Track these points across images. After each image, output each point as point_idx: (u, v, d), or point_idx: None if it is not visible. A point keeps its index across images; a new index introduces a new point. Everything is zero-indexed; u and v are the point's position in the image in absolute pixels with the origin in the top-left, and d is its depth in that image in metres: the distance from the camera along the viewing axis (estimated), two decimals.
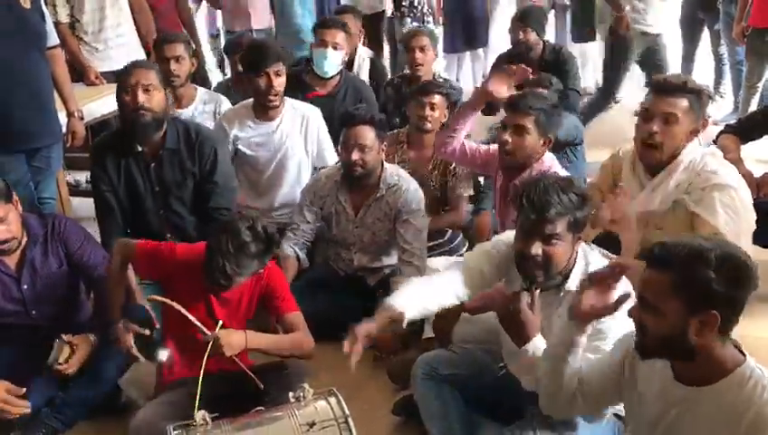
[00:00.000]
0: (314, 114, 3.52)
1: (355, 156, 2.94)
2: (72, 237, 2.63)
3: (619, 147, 2.75)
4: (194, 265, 2.38)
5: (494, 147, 3.00)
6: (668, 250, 1.54)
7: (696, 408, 1.61)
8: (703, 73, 5.76)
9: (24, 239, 2.57)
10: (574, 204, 2.00)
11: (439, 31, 6.18)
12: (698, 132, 2.48)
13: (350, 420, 2.01)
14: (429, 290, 2.23)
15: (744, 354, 1.61)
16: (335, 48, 3.82)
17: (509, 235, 2.21)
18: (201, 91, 3.80)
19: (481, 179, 3.79)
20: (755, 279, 1.53)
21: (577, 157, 3.89)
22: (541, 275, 2.03)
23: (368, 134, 2.94)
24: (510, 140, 2.78)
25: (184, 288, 2.39)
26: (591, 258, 2.13)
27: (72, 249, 2.63)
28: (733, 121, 3.58)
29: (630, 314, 1.63)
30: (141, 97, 2.85)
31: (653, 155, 2.47)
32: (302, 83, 3.79)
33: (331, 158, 3.49)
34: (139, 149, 2.96)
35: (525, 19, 4.46)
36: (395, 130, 3.77)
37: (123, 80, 2.90)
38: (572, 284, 2.06)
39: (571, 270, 2.09)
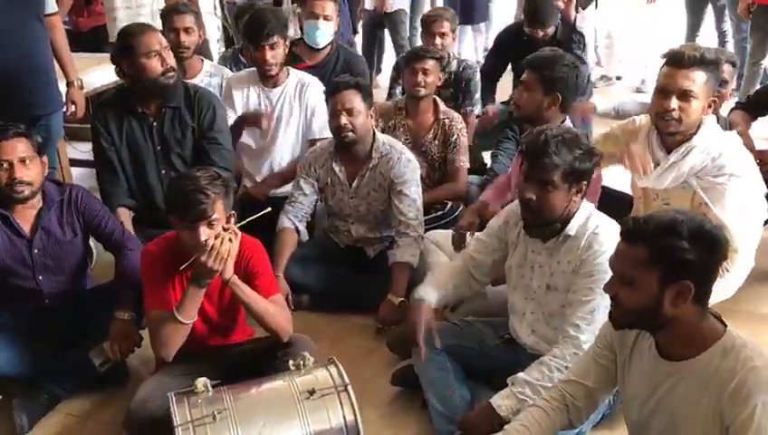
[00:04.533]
0: (314, 83, 3.51)
1: (343, 120, 2.93)
2: (90, 207, 2.67)
3: (638, 116, 2.72)
4: (168, 256, 2.30)
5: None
6: (642, 224, 1.60)
7: (682, 382, 1.64)
8: None
9: (40, 204, 2.60)
10: (574, 156, 2.08)
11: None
12: (716, 103, 2.45)
13: (349, 388, 2.03)
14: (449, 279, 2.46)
15: (724, 325, 1.64)
16: (326, 19, 3.79)
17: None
18: (207, 63, 3.79)
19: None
20: (725, 248, 1.60)
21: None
22: (534, 219, 2.16)
23: (353, 98, 2.93)
24: (517, 96, 2.87)
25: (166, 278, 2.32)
26: (595, 214, 2.21)
27: (90, 218, 2.67)
28: (742, 99, 3.58)
29: (606, 288, 1.67)
30: (171, 61, 2.93)
31: (671, 126, 2.44)
32: (292, 55, 3.75)
33: (319, 128, 3.45)
34: (140, 109, 3.01)
35: (538, 21, 4.03)
36: (393, 100, 3.75)
37: (145, 44, 2.89)
38: (571, 231, 2.16)
39: (570, 219, 2.16)
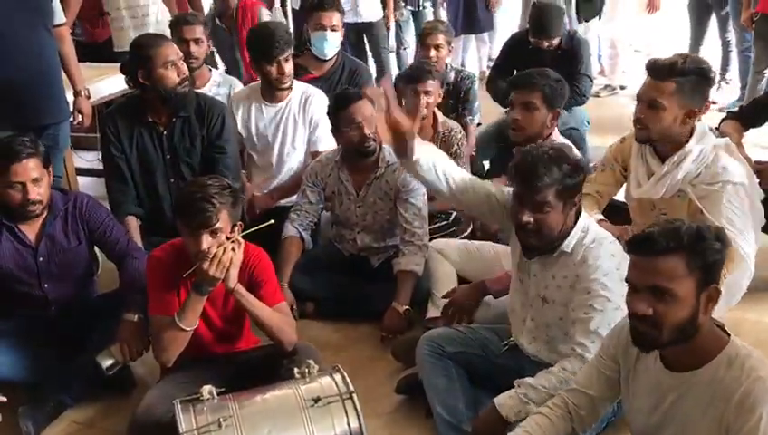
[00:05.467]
0: (318, 94, 3.52)
1: (368, 130, 2.94)
2: (94, 215, 2.68)
3: (626, 133, 2.74)
4: (173, 262, 2.31)
5: None
6: (671, 234, 1.58)
7: (688, 393, 1.64)
8: (710, 59, 5.73)
9: (45, 212, 2.61)
10: (564, 172, 2.05)
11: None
12: (696, 114, 2.44)
13: (354, 396, 2.04)
14: None
15: (727, 334, 1.64)
16: (333, 30, 3.81)
17: None
18: (215, 73, 3.81)
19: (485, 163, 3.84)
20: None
21: (582, 148, 3.90)
22: (535, 242, 2.14)
23: (369, 108, 2.95)
24: (520, 117, 2.83)
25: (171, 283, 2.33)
26: (591, 227, 2.19)
27: (94, 226, 2.68)
28: (736, 108, 3.57)
29: (635, 307, 1.61)
30: (185, 70, 3.00)
31: (640, 135, 2.48)
32: (296, 66, 3.75)
33: (322, 140, 3.44)
34: (150, 119, 3.04)
35: (545, 31, 4.05)
36: None
37: (162, 55, 2.93)
38: (567, 247, 2.13)
39: (567, 234, 2.14)
